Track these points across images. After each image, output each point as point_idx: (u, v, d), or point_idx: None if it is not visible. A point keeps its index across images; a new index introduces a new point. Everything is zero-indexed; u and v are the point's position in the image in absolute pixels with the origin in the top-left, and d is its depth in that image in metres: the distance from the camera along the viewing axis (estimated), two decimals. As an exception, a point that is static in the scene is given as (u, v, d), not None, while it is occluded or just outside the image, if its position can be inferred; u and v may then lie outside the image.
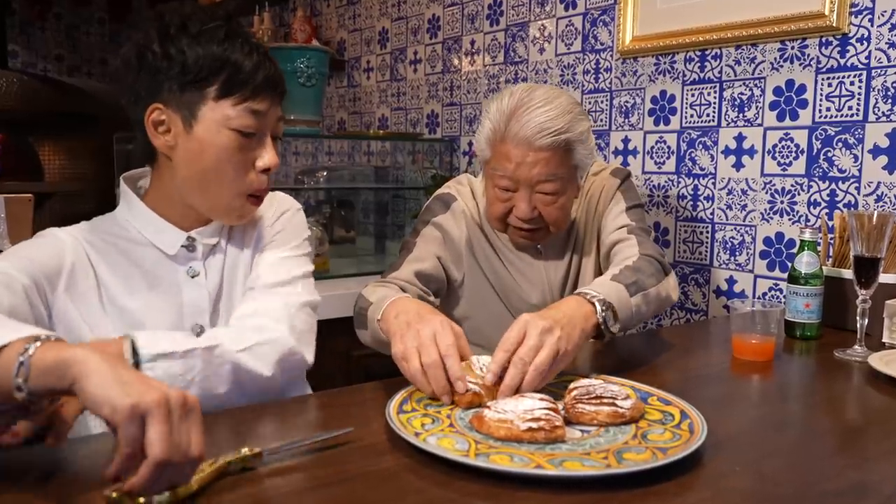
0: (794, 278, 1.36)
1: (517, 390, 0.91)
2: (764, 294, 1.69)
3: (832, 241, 1.48)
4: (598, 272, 1.41)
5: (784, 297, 1.60)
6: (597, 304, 1.05)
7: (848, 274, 1.39)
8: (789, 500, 0.71)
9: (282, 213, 1.17)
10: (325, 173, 2.56)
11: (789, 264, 1.62)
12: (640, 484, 0.71)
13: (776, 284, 1.67)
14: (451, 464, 0.74)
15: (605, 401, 0.86)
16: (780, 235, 1.66)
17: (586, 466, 0.73)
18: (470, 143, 2.46)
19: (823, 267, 1.37)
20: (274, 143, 1.06)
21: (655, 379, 1.07)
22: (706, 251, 1.81)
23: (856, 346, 1.23)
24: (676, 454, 0.75)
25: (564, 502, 0.69)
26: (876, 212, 1.20)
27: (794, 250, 1.62)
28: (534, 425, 0.80)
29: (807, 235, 1.35)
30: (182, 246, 1.05)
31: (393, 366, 0.98)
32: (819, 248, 1.38)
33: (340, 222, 2.56)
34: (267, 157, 1.04)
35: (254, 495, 0.69)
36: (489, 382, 0.92)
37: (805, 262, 1.35)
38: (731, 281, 1.76)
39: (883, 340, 1.31)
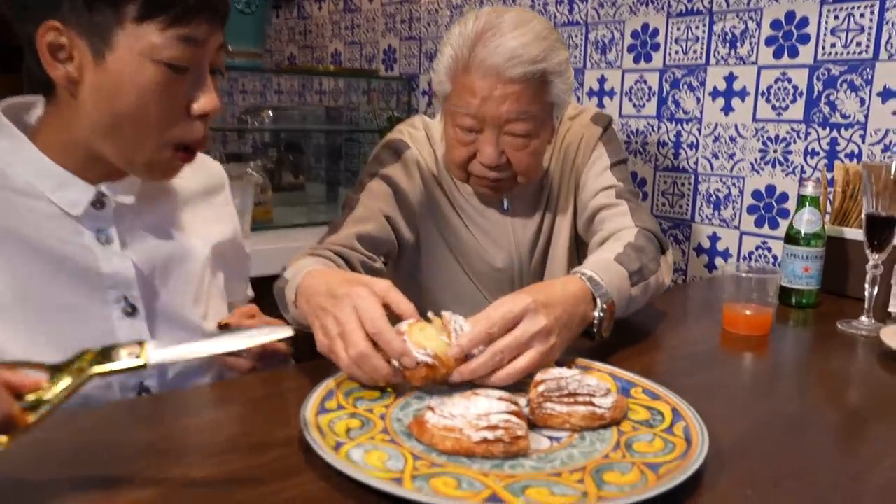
0: (792, 238, 1.19)
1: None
2: (750, 253, 1.53)
3: (831, 197, 1.32)
4: (574, 235, 1.23)
5: (777, 258, 1.44)
6: (598, 301, 0.87)
7: (851, 233, 1.23)
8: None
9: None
10: (271, 113, 2.31)
11: (780, 221, 1.47)
12: (625, 519, 0.54)
13: (764, 242, 1.51)
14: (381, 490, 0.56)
15: (581, 399, 0.69)
16: (770, 188, 1.49)
17: (556, 496, 0.56)
18: (430, 83, 2.23)
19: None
20: (214, 79, 0.83)
21: (636, 360, 0.90)
22: (687, 204, 1.63)
23: (862, 318, 1.08)
24: (673, 478, 0.58)
25: (527, 550, 0.51)
26: (895, 163, 1.02)
27: (787, 205, 1.46)
28: (489, 436, 0.62)
29: (809, 189, 1.18)
30: (89, 203, 0.83)
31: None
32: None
33: (288, 167, 2.34)
34: (204, 98, 0.81)
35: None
36: (453, 357, 0.74)
37: (806, 220, 1.18)
38: (713, 238, 1.59)
39: (889, 310, 1.15)
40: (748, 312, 1.04)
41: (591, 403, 0.68)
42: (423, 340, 0.74)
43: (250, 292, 1.12)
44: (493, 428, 0.62)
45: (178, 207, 0.94)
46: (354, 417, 0.69)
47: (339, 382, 0.77)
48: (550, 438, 0.67)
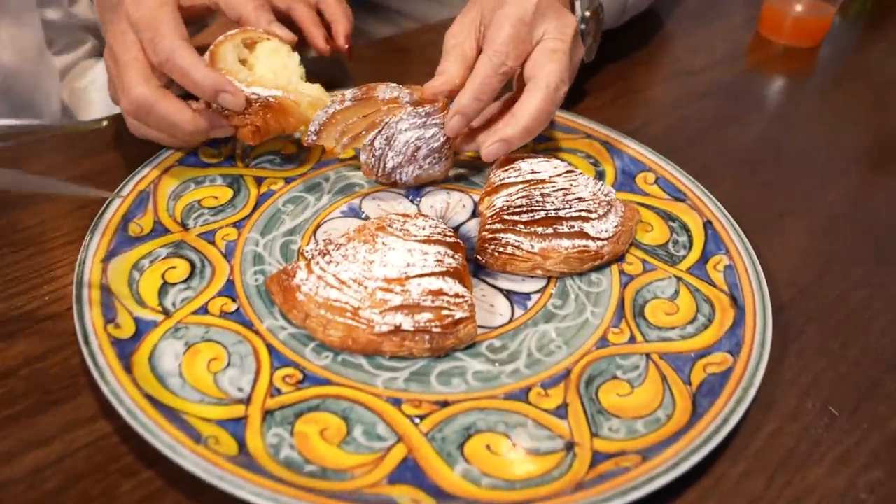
0: None
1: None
2: None
3: None
4: None
5: None
6: (578, 6, 0.53)
7: None
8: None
9: None
10: None
11: None
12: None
13: None
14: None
15: (566, 226, 0.40)
16: None
17: (519, 461, 0.31)
18: None
19: None
20: None
21: (626, 102, 0.60)
22: None
23: (945, 22, 0.77)
24: (725, 416, 0.33)
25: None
26: None
27: None
28: (406, 323, 0.35)
29: None
30: None
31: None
32: None
33: None
34: None
35: None
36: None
37: None
38: None
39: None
40: (799, 9, 0.72)
41: (584, 234, 0.40)
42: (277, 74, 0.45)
43: None
44: (415, 308, 0.35)
45: None
46: (179, 252, 0.40)
47: (167, 168, 0.46)
48: (510, 297, 0.40)
